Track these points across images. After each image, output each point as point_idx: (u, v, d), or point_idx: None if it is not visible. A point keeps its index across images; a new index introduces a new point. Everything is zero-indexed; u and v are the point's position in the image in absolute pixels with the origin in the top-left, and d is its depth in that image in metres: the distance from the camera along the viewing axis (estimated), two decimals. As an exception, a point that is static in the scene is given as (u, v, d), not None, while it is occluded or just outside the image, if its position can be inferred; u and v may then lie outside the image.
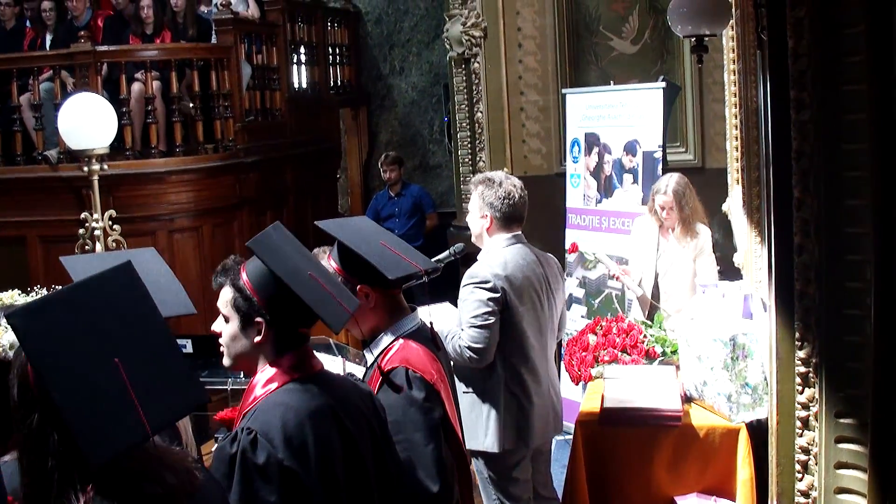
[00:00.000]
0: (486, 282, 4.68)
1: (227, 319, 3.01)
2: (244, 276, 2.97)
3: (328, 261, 3.70)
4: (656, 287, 6.74)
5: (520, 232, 4.95)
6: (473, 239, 5.05)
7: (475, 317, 4.67)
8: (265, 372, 2.97)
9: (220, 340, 3.05)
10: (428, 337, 3.73)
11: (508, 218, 4.86)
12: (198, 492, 2.27)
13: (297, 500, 2.78)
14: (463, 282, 4.79)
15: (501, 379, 4.76)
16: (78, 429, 2.02)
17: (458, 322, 4.81)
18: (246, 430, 2.79)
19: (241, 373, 5.03)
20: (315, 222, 3.66)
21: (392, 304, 3.70)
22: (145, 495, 2.14)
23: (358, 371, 3.83)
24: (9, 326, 2.99)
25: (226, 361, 3.08)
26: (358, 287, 3.58)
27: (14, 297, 3.72)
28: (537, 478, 5.02)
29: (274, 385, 2.93)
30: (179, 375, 2.25)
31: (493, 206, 4.84)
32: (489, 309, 4.66)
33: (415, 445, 3.40)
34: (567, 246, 8.06)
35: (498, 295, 4.66)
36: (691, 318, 5.62)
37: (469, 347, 4.70)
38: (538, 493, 5.01)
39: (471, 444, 4.78)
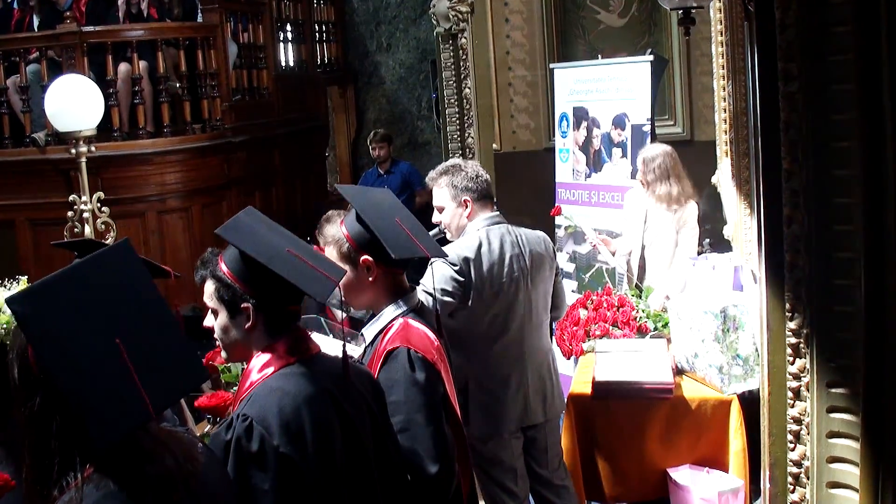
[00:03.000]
0: (455, 264, 4.62)
1: (215, 313, 3.00)
2: (222, 265, 2.95)
3: (340, 226, 3.68)
4: (643, 259, 6.74)
5: (497, 212, 4.84)
6: (451, 236, 4.88)
7: (436, 289, 4.61)
8: (260, 357, 2.94)
9: (215, 335, 3.03)
10: (424, 316, 3.72)
11: (485, 196, 4.77)
12: (198, 475, 2.27)
13: (294, 487, 2.76)
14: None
15: (462, 363, 4.69)
16: (84, 413, 2.01)
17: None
18: (241, 417, 2.76)
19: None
20: (336, 185, 3.64)
21: (392, 283, 3.68)
22: (145, 475, 2.15)
23: (355, 351, 3.82)
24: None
25: (223, 355, 3.09)
26: (362, 258, 3.56)
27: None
28: (532, 459, 4.94)
29: (270, 370, 2.90)
30: (180, 354, 2.25)
31: (469, 189, 4.73)
32: (450, 288, 4.59)
33: (416, 426, 3.39)
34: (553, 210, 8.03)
35: (462, 279, 4.59)
36: (672, 291, 5.66)
37: None
38: (535, 473, 4.95)
39: None
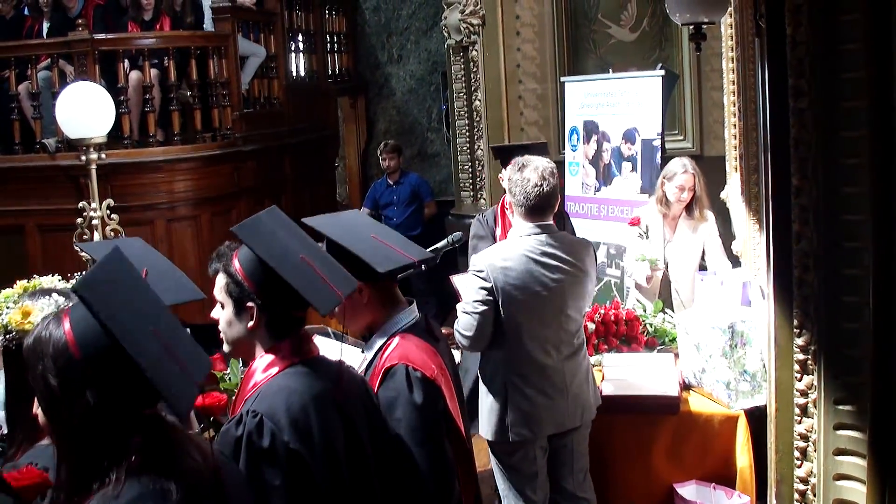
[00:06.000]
0: (481, 271, 4.66)
1: (222, 305, 3.05)
2: (236, 262, 3.00)
3: None
4: (665, 275, 6.60)
5: (546, 222, 4.76)
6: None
7: (468, 303, 4.68)
8: (264, 358, 2.99)
9: (219, 327, 3.09)
10: (425, 329, 3.71)
11: (532, 210, 4.71)
12: (219, 469, 2.30)
13: (302, 483, 2.80)
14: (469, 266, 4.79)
15: (499, 368, 4.72)
16: (161, 382, 2.10)
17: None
18: (251, 413, 2.81)
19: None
20: (302, 220, 3.62)
21: (387, 298, 3.66)
22: (180, 470, 2.18)
23: (356, 356, 3.83)
24: (45, 306, 3.03)
25: (225, 348, 3.13)
26: None
27: (54, 283, 3.69)
28: (558, 470, 4.90)
29: (275, 370, 2.95)
30: (191, 342, 2.33)
31: (511, 193, 4.77)
32: (479, 298, 4.64)
33: (413, 445, 3.40)
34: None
35: (489, 285, 4.61)
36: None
37: (461, 333, 4.71)
38: (559, 484, 4.91)
39: (476, 428, 4.80)
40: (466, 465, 3.80)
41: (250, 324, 2.98)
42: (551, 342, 4.71)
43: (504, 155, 6.60)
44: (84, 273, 2.36)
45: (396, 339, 3.58)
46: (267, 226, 3.08)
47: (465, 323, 4.70)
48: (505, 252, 4.72)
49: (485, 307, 4.64)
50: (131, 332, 2.12)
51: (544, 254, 4.69)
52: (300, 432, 2.82)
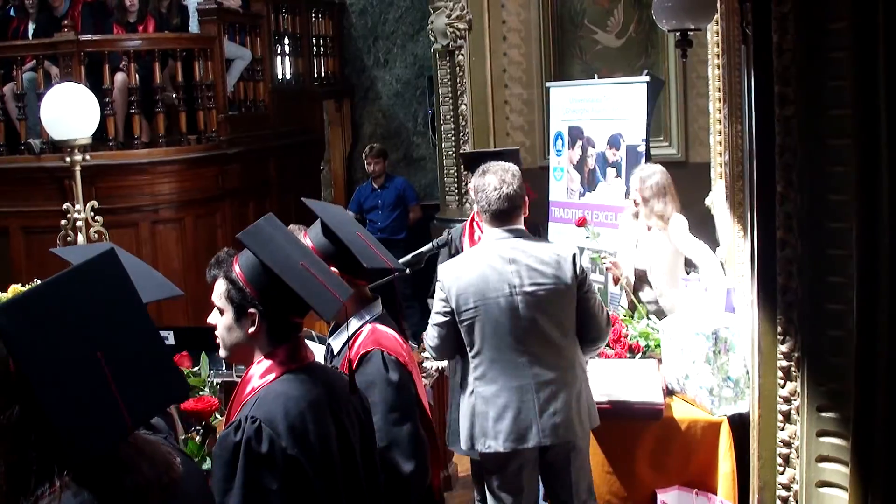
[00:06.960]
0: (439, 281, 4.65)
1: (221, 311, 3.06)
2: (237, 268, 3.02)
3: (304, 238, 3.71)
4: (638, 280, 6.58)
5: (516, 226, 4.68)
6: None
7: (432, 315, 4.68)
8: (261, 364, 3.02)
9: (216, 332, 3.10)
10: (392, 322, 3.81)
11: (496, 215, 4.65)
12: (175, 483, 2.26)
13: (299, 487, 2.84)
14: None
15: (466, 378, 4.66)
16: (62, 427, 2.00)
17: None
18: (250, 419, 2.84)
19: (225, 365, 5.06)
20: (302, 199, 3.66)
21: (357, 293, 3.74)
22: (123, 486, 2.14)
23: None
24: None
25: (222, 353, 3.14)
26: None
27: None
28: (554, 486, 4.78)
29: (272, 376, 2.98)
30: (162, 366, 2.25)
31: (481, 208, 4.70)
32: (438, 309, 4.64)
33: (392, 425, 3.47)
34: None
35: (444, 295, 4.60)
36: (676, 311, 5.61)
37: (426, 343, 4.73)
38: (560, 501, 4.81)
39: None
40: (435, 450, 3.86)
41: (251, 329, 3.00)
42: (520, 352, 4.59)
43: (474, 163, 6.47)
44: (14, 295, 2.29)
45: (368, 327, 3.68)
46: (267, 232, 3.11)
47: (429, 333, 4.73)
48: (465, 259, 4.71)
49: (443, 318, 4.64)
50: (49, 363, 2.03)
51: (506, 259, 4.61)
52: (297, 438, 2.85)
